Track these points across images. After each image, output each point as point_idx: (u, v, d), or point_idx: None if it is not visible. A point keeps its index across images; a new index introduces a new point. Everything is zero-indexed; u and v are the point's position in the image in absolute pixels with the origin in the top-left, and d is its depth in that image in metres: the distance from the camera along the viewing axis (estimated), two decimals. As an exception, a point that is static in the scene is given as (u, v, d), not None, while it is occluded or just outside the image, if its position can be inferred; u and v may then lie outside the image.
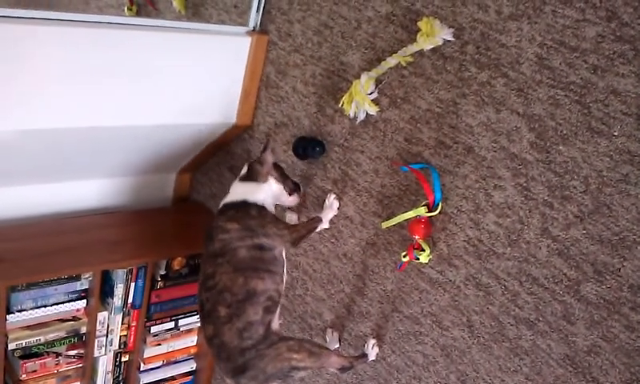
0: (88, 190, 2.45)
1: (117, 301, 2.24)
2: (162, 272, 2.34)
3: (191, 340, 2.58)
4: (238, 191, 1.87)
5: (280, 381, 1.77)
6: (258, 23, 2.19)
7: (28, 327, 2.11)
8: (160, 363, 2.55)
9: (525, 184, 1.53)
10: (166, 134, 2.22)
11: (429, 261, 1.74)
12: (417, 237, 1.71)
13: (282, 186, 1.91)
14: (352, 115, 1.87)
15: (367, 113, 1.84)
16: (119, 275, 2.21)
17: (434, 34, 1.63)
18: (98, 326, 2.25)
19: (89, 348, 2.26)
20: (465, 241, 1.67)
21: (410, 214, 1.72)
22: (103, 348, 2.31)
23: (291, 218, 2.10)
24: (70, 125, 1.90)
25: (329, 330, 2.10)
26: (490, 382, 1.67)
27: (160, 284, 2.34)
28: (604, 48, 1.35)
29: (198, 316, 1.88)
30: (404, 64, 1.75)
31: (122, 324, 2.31)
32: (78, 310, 2.20)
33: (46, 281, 2.07)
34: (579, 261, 1.44)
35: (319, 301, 2.15)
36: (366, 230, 1.94)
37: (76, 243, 2.22)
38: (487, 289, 1.64)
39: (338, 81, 1.97)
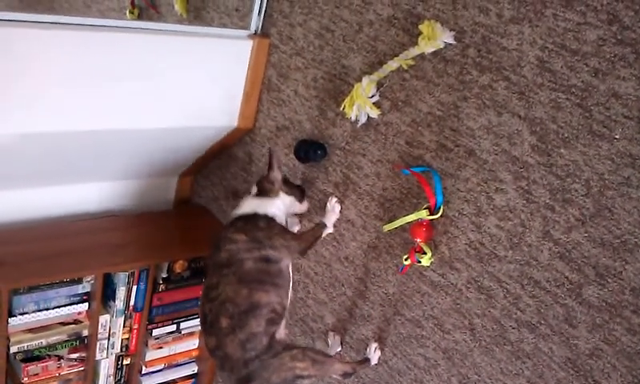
0: (89, 193, 2.45)
1: (119, 304, 2.25)
2: (164, 275, 2.34)
3: (193, 343, 2.58)
4: (250, 205, 1.86)
5: None
6: (260, 26, 2.20)
7: (30, 330, 2.11)
8: (162, 366, 2.56)
9: (526, 187, 1.53)
10: (167, 137, 2.22)
11: (430, 264, 1.74)
12: (418, 240, 1.71)
13: (292, 197, 1.91)
14: (353, 118, 1.87)
15: (369, 116, 1.84)
16: (121, 278, 2.21)
17: (435, 37, 1.64)
18: (100, 329, 2.25)
19: (90, 351, 2.26)
20: (466, 244, 1.67)
21: (412, 217, 1.71)
22: (105, 351, 2.32)
23: (292, 222, 2.09)
24: (71, 128, 1.90)
25: (330, 333, 2.10)
26: (491, 385, 1.67)
27: (162, 287, 2.34)
28: (605, 51, 1.35)
29: (201, 327, 1.86)
30: (405, 67, 1.75)
31: (124, 327, 2.32)
32: (79, 313, 2.21)
33: (48, 284, 2.07)
34: (581, 264, 1.44)
35: (321, 304, 2.15)
36: (367, 233, 1.94)
37: (78, 246, 2.22)
38: (489, 292, 1.64)
39: (340, 84, 1.97)
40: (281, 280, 1.77)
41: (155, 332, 2.43)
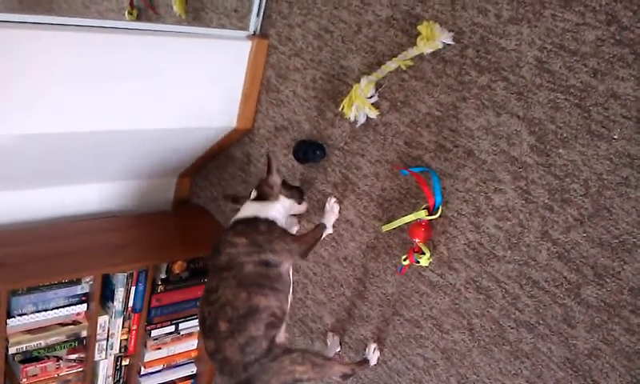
0: (88, 194, 2.45)
1: (117, 305, 2.25)
2: (163, 276, 2.34)
3: (192, 344, 2.58)
4: (250, 209, 1.86)
5: None
6: (259, 27, 2.20)
7: (29, 331, 2.11)
8: (160, 367, 2.55)
9: (525, 187, 1.53)
10: (166, 137, 2.22)
11: (429, 264, 1.74)
12: (417, 240, 1.71)
13: (292, 200, 1.91)
14: (352, 119, 1.87)
15: (367, 116, 1.85)
16: (120, 279, 2.21)
17: (434, 38, 1.64)
18: (99, 330, 2.25)
19: (89, 352, 2.26)
20: (465, 244, 1.67)
21: (411, 218, 1.72)
22: (104, 352, 2.32)
23: (291, 222, 2.10)
24: (71, 129, 1.90)
25: (329, 334, 2.10)
26: (490, 385, 1.67)
27: (160, 288, 2.34)
28: (604, 51, 1.36)
29: (200, 330, 1.86)
30: (404, 68, 1.75)
31: (123, 328, 2.32)
32: (78, 314, 2.21)
33: (47, 285, 2.07)
34: (579, 264, 1.45)
35: (320, 304, 2.15)
36: (366, 234, 1.94)
37: (76, 247, 2.22)
38: (487, 292, 1.64)
39: (339, 84, 1.97)
40: (280, 284, 1.77)
41: (154, 333, 2.43)
